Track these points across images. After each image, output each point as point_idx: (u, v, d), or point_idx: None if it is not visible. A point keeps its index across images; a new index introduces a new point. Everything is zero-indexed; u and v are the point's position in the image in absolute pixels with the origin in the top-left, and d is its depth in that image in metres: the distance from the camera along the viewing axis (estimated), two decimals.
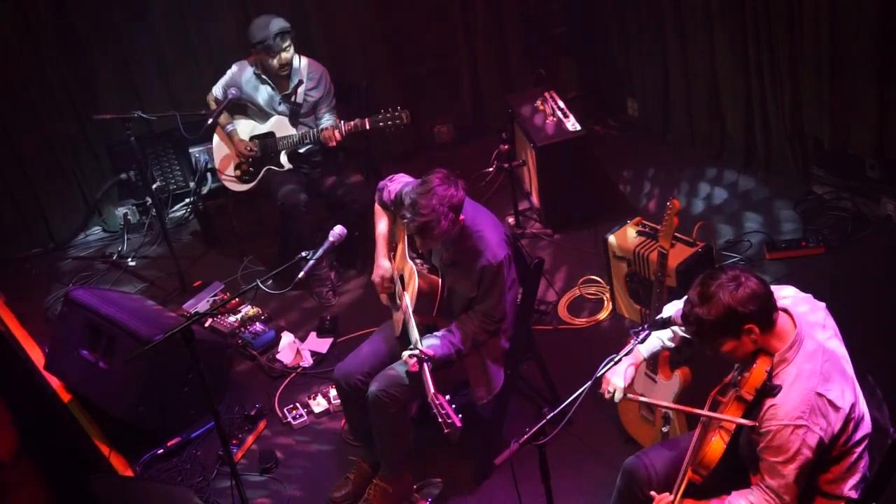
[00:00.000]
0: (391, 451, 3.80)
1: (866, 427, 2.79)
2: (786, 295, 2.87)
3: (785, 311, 2.79)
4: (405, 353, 3.55)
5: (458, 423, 3.26)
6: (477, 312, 3.64)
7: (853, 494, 2.78)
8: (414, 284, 3.64)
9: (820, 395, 2.65)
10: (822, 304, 2.87)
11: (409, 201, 3.44)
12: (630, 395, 3.18)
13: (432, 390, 3.36)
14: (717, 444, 2.74)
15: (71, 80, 6.02)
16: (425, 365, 3.44)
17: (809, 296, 2.90)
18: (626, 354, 2.96)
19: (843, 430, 2.70)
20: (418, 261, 3.76)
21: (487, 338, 3.67)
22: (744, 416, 2.73)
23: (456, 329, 3.63)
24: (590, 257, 5.13)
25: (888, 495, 2.65)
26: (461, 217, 3.50)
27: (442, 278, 3.68)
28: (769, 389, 2.71)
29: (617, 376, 3.19)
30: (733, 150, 5.69)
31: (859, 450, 2.77)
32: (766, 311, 2.70)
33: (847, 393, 2.70)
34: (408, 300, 3.66)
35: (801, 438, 2.63)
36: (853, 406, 2.71)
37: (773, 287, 2.79)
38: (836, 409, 2.66)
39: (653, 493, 2.92)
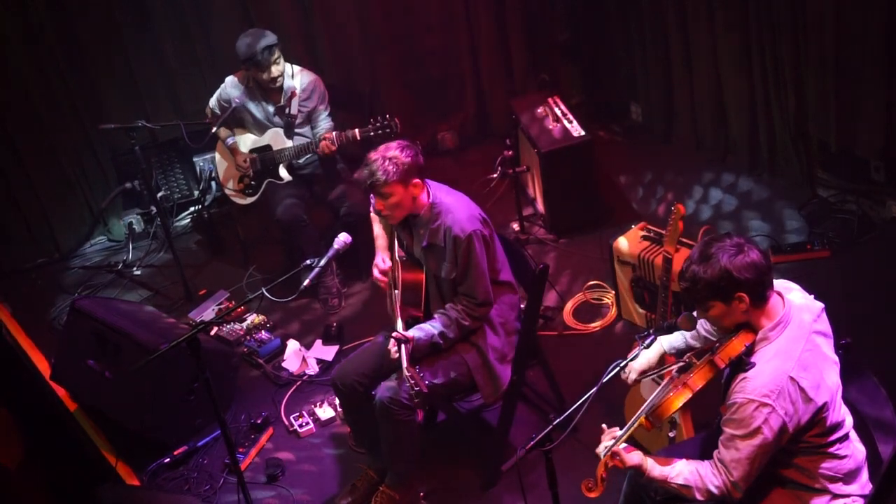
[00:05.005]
0: (398, 459, 3.79)
1: (844, 429, 2.77)
2: (787, 286, 2.86)
3: (779, 294, 2.78)
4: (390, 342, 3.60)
5: (425, 390, 3.38)
6: (460, 297, 3.69)
7: (838, 490, 2.77)
8: (400, 279, 3.74)
9: (793, 379, 2.62)
10: (821, 305, 2.85)
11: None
12: (641, 378, 3.24)
13: (405, 364, 3.45)
14: (675, 399, 2.76)
15: (75, 90, 6.03)
16: (403, 346, 3.51)
17: (811, 296, 2.88)
18: (632, 360, 2.96)
19: (811, 424, 2.66)
20: (404, 256, 3.85)
21: (474, 323, 3.70)
22: (711, 385, 2.75)
23: (438, 315, 3.71)
24: (595, 263, 5.12)
25: None
26: (417, 181, 3.62)
27: (425, 268, 3.76)
28: (743, 364, 2.70)
29: (637, 361, 3.21)
30: (737, 154, 5.68)
31: (834, 449, 2.74)
32: (761, 283, 2.68)
33: (823, 390, 2.66)
34: (397, 294, 3.76)
35: (763, 417, 2.60)
36: (826, 405, 2.67)
37: (777, 280, 2.78)
38: (808, 399, 2.62)
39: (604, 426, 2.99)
